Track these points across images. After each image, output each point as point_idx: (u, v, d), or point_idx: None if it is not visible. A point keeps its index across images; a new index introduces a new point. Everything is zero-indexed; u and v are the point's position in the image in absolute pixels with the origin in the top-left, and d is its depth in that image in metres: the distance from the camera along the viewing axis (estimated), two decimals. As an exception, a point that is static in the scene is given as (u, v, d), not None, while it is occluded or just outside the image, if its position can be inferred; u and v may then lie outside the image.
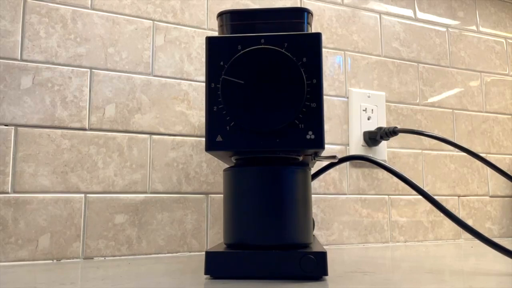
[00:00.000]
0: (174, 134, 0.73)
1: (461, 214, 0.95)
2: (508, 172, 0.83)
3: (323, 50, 0.86)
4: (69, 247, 0.64)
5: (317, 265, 0.43)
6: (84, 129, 0.68)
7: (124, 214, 0.68)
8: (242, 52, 0.46)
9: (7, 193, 0.62)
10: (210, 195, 0.74)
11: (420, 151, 0.93)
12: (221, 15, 0.52)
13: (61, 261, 0.63)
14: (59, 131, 0.66)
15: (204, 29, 0.78)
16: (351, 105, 0.87)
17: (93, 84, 0.69)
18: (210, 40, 0.48)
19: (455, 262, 0.62)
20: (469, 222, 0.96)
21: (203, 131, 0.75)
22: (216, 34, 0.78)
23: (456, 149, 0.74)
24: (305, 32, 0.50)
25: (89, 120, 0.68)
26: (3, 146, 0.63)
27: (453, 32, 1.02)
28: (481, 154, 0.84)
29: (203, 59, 0.77)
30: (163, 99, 0.73)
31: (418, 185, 0.53)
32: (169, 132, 0.73)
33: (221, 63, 0.47)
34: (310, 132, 0.46)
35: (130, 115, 0.71)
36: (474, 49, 1.03)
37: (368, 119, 0.88)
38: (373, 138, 0.86)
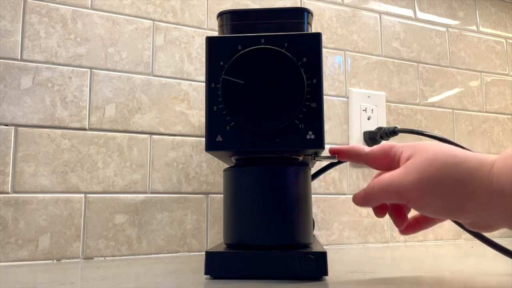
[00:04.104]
0: (174, 134, 0.73)
1: (461, 214, 0.95)
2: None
3: (323, 50, 0.85)
4: (69, 247, 0.64)
5: (317, 265, 0.43)
6: (84, 129, 0.68)
7: (124, 214, 0.68)
8: (242, 52, 0.46)
9: (7, 193, 0.62)
10: (210, 195, 0.74)
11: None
12: (221, 15, 0.52)
13: (61, 261, 0.63)
14: (59, 131, 0.66)
15: (204, 29, 0.78)
16: (351, 105, 0.87)
17: (93, 84, 0.69)
18: (210, 40, 0.48)
19: (455, 262, 0.62)
20: (469, 222, 0.96)
21: (203, 131, 0.74)
22: (216, 34, 0.78)
23: (456, 149, 0.75)
24: (305, 32, 0.50)
25: (89, 120, 0.68)
26: (3, 146, 0.63)
27: (453, 32, 1.02)
28: (481, 154, 0.84)
29: (203, 59, 0.77)
30: (163, 99, 0.73)
31: (418, 185, 0.53)
32: (169, 132, 0.73)
33: (221, 63, 0.47)
34: (310, 132, 0.45)
35: (130, 115, 0.71)
36: (474, 49, 1.03)
37: (368, 119, 0.88)
38: (373, 138, 0.86)
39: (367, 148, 0.45)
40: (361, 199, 0.43)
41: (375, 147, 0.45)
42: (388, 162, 0.43)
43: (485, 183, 0.34)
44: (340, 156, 0.47)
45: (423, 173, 0.37)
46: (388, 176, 0.40)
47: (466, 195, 0.35)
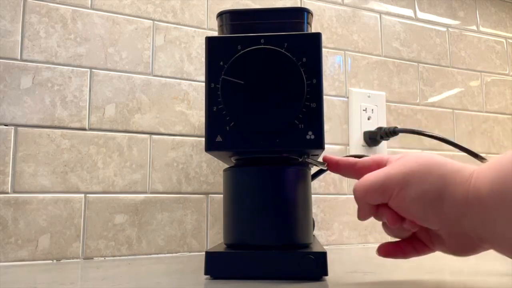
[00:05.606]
0: (174, 134, 0.73)
1: (461, 214, 0.95)
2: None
3: (323, 50, 0.85)
4: (69, 247, 0.64)
5: (317, 265, 0.43)
6: (84, 129, 0.68)
7: (124, 214, 0.68)
8: (242, 52, 0.46)
9: (7, 193, 0.62)
10: (210, 195, 0.74)
11: (420, 151, 0.93)
12: (221, 15, 0.52)
13: (61, 261, 0.63)
14: (59, 131, 0.66)
15: (204, 29, 0.78)
16: (351, 105, 0.87)
17: (93, 84, 0.69)
18: (210, 40, 0.48)
19: (455, 262, 0.62)
20: (469, 222, 0.95)
21: (203, 131, 0.74)
22: (216, 34, 0.78)
23: (456, 149, 0.74)
24: (305, 32, 0.50)
25: (89, 120, 0.68)
26: (3, 146, 0.63)
27: (453, 32, 1.01)
28: (481, 154, 0.84)
29: (203, 59, 0.77)
30: (163, 99, 0.73)
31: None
32: (169, 132, 0.73)
33: (221, 63, 0.47)
34: (310, 132, 0.45)
35: (130, 115, 0.71)
36: (474, 49, 1.03)
37: (368, 119, 0.88)
38: (373, 138, 0.86)
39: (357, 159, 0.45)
40: (358, 211, 0.42)
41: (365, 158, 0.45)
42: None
43: (464, 184, 0.35)
44: (330, 166, 0.46)
45: (408, 168, 0.38)
46: (371, 174, 0.40)
47: (445, 195, 0.36)
